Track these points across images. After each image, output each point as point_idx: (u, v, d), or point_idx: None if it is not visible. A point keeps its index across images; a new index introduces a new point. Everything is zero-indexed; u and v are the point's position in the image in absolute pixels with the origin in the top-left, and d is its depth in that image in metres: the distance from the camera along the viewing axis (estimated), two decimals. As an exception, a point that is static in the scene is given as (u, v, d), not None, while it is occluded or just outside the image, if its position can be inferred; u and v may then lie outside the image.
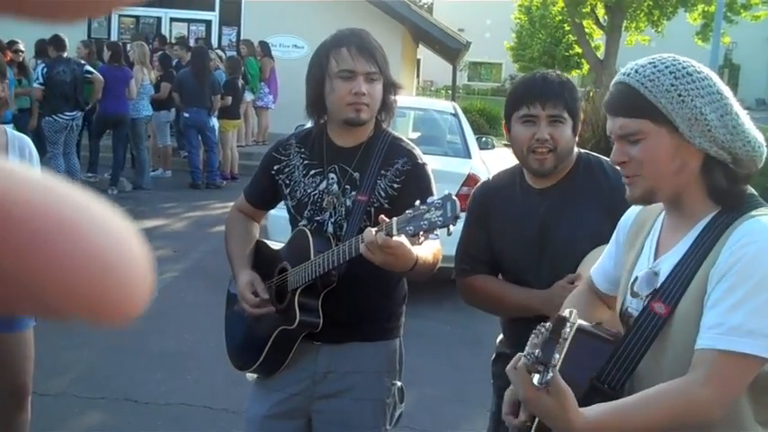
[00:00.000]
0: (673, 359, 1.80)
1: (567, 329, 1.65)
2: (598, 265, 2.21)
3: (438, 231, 2.23)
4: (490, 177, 2.97)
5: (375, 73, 2.59)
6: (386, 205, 2.60)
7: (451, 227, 2.21)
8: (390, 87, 2.68)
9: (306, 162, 2.73)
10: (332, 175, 2.68)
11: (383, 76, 2.63)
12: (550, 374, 1.64)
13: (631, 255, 2.04)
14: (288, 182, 2.76)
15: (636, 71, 1.84)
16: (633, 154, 1.85)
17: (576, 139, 2.66)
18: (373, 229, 2.29)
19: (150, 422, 4.69)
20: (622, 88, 1.86)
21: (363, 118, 2.61)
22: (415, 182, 2.63)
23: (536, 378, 1.65)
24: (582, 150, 2.75)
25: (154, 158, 13.42)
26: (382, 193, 2.62)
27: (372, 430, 2.75)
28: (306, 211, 2.69)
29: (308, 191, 2.70)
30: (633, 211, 2.12)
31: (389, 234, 2.25)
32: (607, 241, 2.24)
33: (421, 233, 2.22)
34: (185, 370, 5.45)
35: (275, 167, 2.79)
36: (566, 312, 1.68)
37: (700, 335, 1.73)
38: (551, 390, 1.68)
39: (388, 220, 2.27)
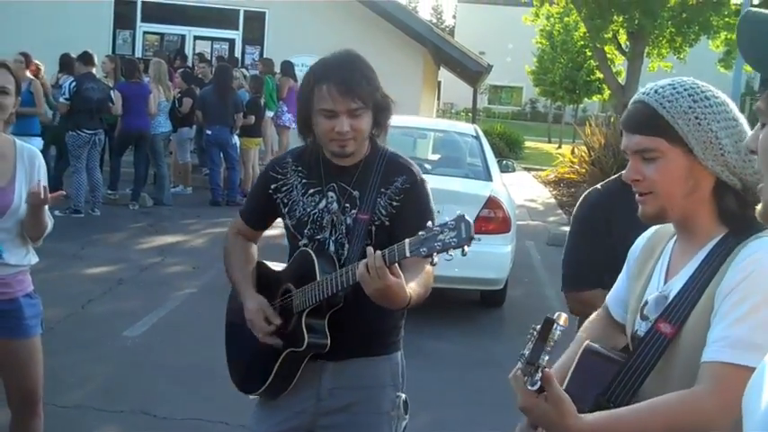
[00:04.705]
0: (678, 378, 1.81)
1: (556, 331, 1.68)
2: (613, 292, 2.22)
3: (453, 252, 2.23)
4: (600, 186, 2.95)
5: (358, 108, 2.55)
6: (386, 222, 2.62)
7: (466, 248, 2.21)
8: (382, 109, 2.66)
9: (304, 181, 2.72)
10: (331, 193, 2.68)
11: (369, 107, 2.59)
12: (539, 375, 1.66)
13: (641, 281, 2.05)
14: (286, 201, 2.74)
15: (655, 91, 1.87)
16: (647, 172, 1.88)
17: None
18: (377, 252, 2.29)
19: (167, 436, 4.72)
20: (640, 107, 1.89)
21: (348, 152, 2.61)
22: (415, 199, 2.65)
23: (527, 380, 1.68)
24: None
25: (175, 175, 13.52)
26: (383, 211, 2.63)
27: None
28: (306, 230, 2.69)
29: (308, 210, 2.69)
30: (642, 239, 2.14)
31: (401, 255, 2.26)
32: None
33: (435, 254, 2.23)
34: (203, 385, 5.47)
35: (273, 186, 2.77)
36: (554, 315, 1.71)
37: (705, 348, 1.73)
38: (548, 396, 1.70)
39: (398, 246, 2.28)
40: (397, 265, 2.30)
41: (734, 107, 1.87)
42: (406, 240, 2.27)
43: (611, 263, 2.67)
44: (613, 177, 2.87)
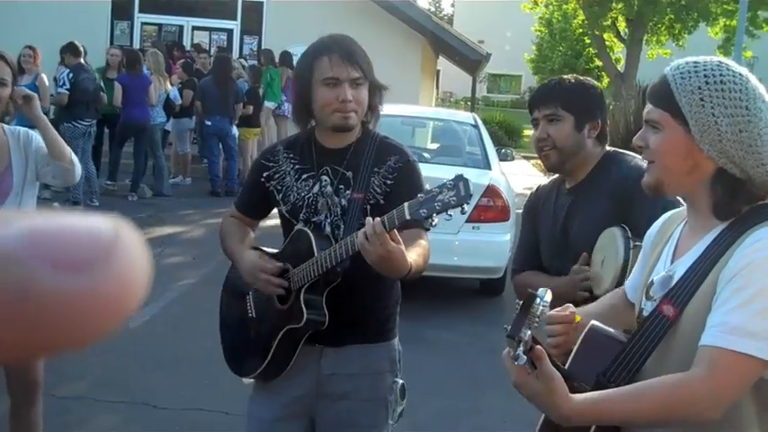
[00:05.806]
0: (678, 360, 1.81)
1: (539, 306, 1.70)
2: (630, 276, 2.24)
3: (452, 212, 2.27)
4: (536, 188, 3.18)
5: (359, 78, 2.61)
6: (381, 201, 2.63)
7: (465, 206, 2.25)
8: (376, 90, 2.71)
9: (297, 167, 2.75)
10: (324, 177, 2.70)
11: (368, 80, 2.65)
12: (520, 349, 1.68)
13: (650, 262, 2.07)
14: (279, 187, 2.77)
15: (678, 66, 1.89)
16: (650, 142, 1.92)
17: (590, 132, 2.81)
18: (377, 219, 2.30)
19: (169, 427, 4.73)
20: (661, 78, 1.92)
21: (351, 124, 2.65)
22: (408, 177, 2.67)
23: (513, 354, 1.70)
24: (612, 149, 2.90)
25: (174, 166, 13.52)
26: (378, 190, 2.65)
27: (376, 429, 2.78)
28: (302, 214, 2.71)
29: (302, 194, 2.72)
30: (657, 223, 2.15)
31: (401, 218, 2.28)
32: (613, 225, 2.55)
33: (435, 215, 2.26)
34: (204, 376, 5.47)
35: (265, 174, 2.80)
36: (538, 290, 1.72)
37: (704, 332, 1.74)
38: (539, 374, 1.72)
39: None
40: (396, 232, 2.32)
41: (755, 97, 1.81)
42: (405, 203, 2.29)
43: (538, 252, 3.02)
44: (549, 179, 3.13)
